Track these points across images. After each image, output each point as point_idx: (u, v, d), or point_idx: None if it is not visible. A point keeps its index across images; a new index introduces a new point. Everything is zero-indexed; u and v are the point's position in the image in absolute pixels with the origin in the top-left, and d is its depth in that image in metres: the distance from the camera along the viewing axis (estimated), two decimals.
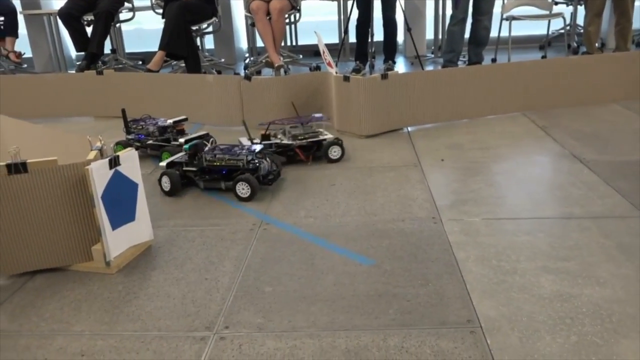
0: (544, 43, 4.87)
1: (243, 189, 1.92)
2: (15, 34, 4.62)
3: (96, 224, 1.44)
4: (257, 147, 2.01)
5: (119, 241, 1.50)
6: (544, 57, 4.50)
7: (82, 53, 4.28)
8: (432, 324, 1.19)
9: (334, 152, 2.28)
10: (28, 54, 5.06)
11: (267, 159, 2.03)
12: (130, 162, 1.53)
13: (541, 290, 1.30)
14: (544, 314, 1.21)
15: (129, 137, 2.44)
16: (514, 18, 4.29)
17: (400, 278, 1.38)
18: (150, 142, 2.39)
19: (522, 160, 2.21)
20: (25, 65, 4.78)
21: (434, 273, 1.40)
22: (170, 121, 2.41)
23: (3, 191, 1.39)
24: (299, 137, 2.26)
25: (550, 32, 4.83)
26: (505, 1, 4.50)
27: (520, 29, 4.72)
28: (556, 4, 4.88)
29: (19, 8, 4.85)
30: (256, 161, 1.97)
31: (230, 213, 1.84)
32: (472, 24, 3.96)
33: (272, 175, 2.01)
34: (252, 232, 1.69)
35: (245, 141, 2.19)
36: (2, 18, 4.55)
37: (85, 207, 1.46)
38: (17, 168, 1.39)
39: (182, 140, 2.20)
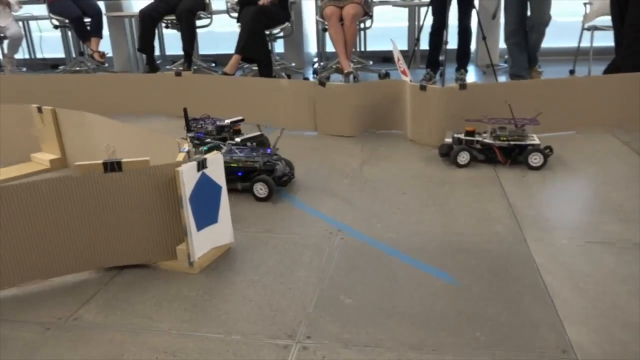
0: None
1: (261, 189, 2.00)
2: (100, 35, 4.85)
3: (182, 225, 1.48)
4: (270, 150, 2.10)
5: (202, 242, 1.53)
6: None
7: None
8: (524, 349, 1.14)
9: (535, 159, 2.22)
10: (109, 54, 5.31)
11: (282, 161, 2.09)
12: (216, 165, 1.56)
13: None
14: None
15: (189, 134, 2.54)
16: (596, 28, 4.10)
17: (485, 298, 1.34)
18: (208, 140, 2.45)
19: (613, 181, 2.10)
20: (107, 65, 5.01)
21: (520, 296, 1.34)
22: (227, 121, 2.48)
23: (98, 188, 1.45)
24: (502, 138, 2.26)
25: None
26: (587, 11, 4.30)
27: (602, 40, 4.49)
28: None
29: (103, 10, 5.09)
30: (272, 163, 2.04)
31: (306, 219, 1.85)
32: (526, 29, 3.87)
33: (286, 177, 2.09)
34: (329, 240, 1.69)
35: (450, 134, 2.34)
36: (88, 19, 4.80)
37: (173, 207, 1.50)
38: (113, 167, 1.45)
39: (238, 139, 2.29)
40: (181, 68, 4.31)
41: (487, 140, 2.27)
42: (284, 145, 2.73)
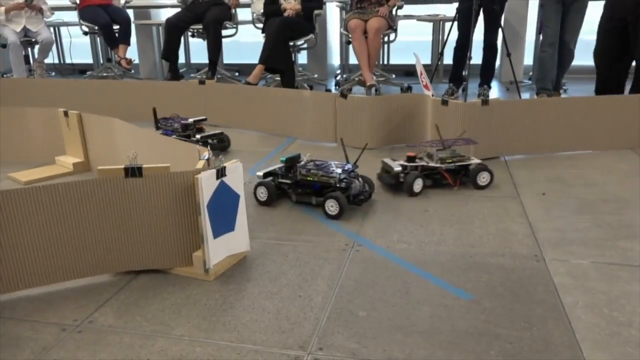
0: None
1: (332, 207, 1.93)
2: (127, 42, 4.95)
3: (199, 232, 1.49)
4: (350, 167, 2.01)
5: (218, 249, 1.54)
6: None
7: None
8: None
9: (483, 178, 2.20)
10: (136, 61, 5.41)
11: (359, 179, 2.02)
12: (235, 174, 1.57)
13: None
14: None
15: (158, 132, 2.75)
16: None
17: (502, 318, 1.31)
18: (174, 137, 2.60)
19: (634, 200, 2.05)
20: (132, 71, 5.11)
21: (538, 316, 1.32)
22: (191, 120, 2.76)
23: (118, 193, 1.47)
24: (447, 161, 2.22)
25: None
26: None
27: None
28: None
29: (132, 18, 5.20)
30: (348, 180, 1.97)
31: (323, 230, 1.84)
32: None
33: (362, 196, 2.01)
34: (344, 252, 1.68)
35: (389, 162, 2.22)
36: (117, 27, 4.90)
37: (191, 214, 1.51)
38: (134, 172, 1.47)
39: (198, 136, 2.66)
40: (204, 76, 4.37)
41: (433, 164, 2.20)
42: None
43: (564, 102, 2.70)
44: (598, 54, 3.45)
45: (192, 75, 4.92)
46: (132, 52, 5.12)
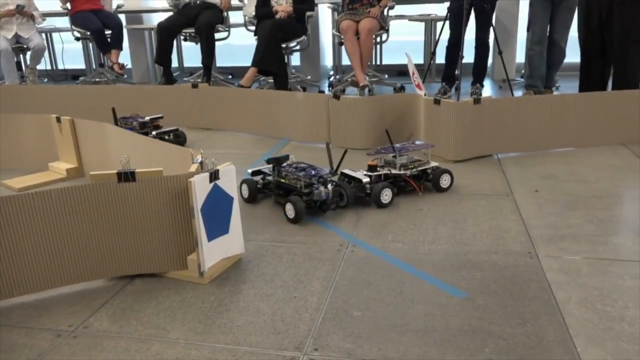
0: None
1: (289, 210, 1.92)
2: (120, 47, 4.95)
3: (193, 235, 1.50)
4: (325, 173, 1.98)
5: (213, 252, 1.54)
6: None
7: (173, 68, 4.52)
8: None
9: (444, 180, 2.18)
10: (128, 65, 5.40)
11: (328, 186, 1.95)
12: (228, 176, 1.57)
13: None
14: None
15: None
16: None
17: (495, 315, 1.32)
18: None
19: (627, 196, 2.07)
20: (125, 76, 5.10)
21: (531, 312, 1.33)
22: (147, 118, 2.95)
23: (112, 198, 1.47)
24: (409, 167, 2.16)
25: None
26: None
27: None
28: None
29: (124, 23, 5.20)
30: (312, 186, 1.94)
31: (317, 231, 1.85)
32: (547, 46, 3.84)
33: (333, 205, 1.97)
34: (339, 252, 1.69)
35: (352, 173, 2.14)
36: (109, 32, 4.90)
37: (185, 217, 1.52)
38: (127, 177, 1.47)
39: (154, 133, 2.83)
40: (199, 80, 4.37)
41: (395, 172, 2.12)
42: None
43: (555, 99, 2.71)
44: (581, 49, 3.46)
45: (185, 79, 4.92)
46: (124, 57, 5.11)
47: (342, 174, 2.12)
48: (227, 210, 1.59)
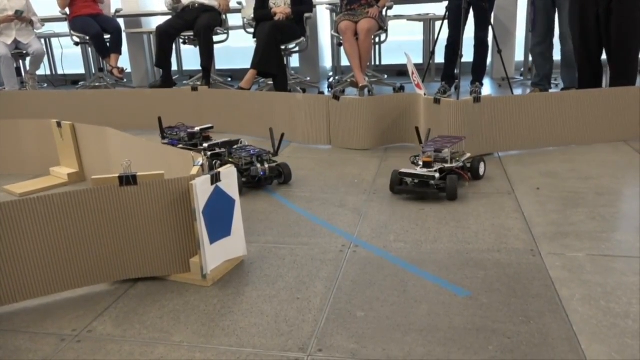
0: None
1: None
2: (119, 51, 4.95)
3: (195, 237, 1.50)
4: (263, 153, 2.30)
5: (215, 255, 1.54)
6: None
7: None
8: None
9: (482, 168, 2.30)
10: (128, 69, 5.41)
11: (265, 164, 2.28)
12: (230, 179, 1.57)
13: None
14: None
15: (164, 142, 2.74)
16: None
17: (499, 313, 1.32)
18: (180, 146, 2.63)
19: (628, 193, 2.07)
20: (125, 80, 5.11)
21: (535, 310, 1.32)
22: (197, 128, 2.72)
23: (113, 201, 1.47)
24: (456, 159, 2.20)
25: None
26: None
27: None
28: None
29: (123, 27, 5.20)
30: (249, 163, 2.27)
31: (320, 232, 1.85)
32: (560, 45, 3.83)
33: (269, 182, 2.32)
34: (342, 253, 1.69)
35: (417, 171, 2.13)
36: (108, 36, 4.90)
37: (187, 220, 1.52)
38: (128, 180, 1.47)
39: (205, 145, 2.49)
40: (199, 83, 4.38)
41: (448, 165, 2.15)
42: (298, 159, 2.75)
43: (554, 97, 2.71)
44: (575, 48, 3.44)
45: (184, 82, 4.92)
46: (123, 61, 5.12)
47: (403, 173, 2.13)
48: (229, 212, 1.59)
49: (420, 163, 2.14)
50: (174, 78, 4.73)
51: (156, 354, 1.23)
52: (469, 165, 2.27)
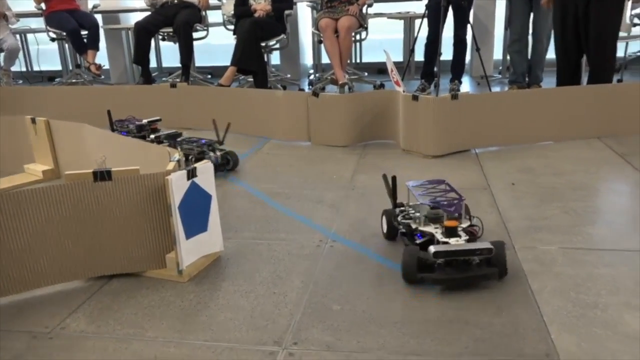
0: (620, 66, 4.66)
1: None
2: (96, 47, 4.89)
3: (171, 233, 1.49)
4: (213, 142, 2.43)
5: (191, 250, 1.54)
6: (619, 80, 4.31)
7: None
8: (508, 355, 1.15)
9: None
10: (106, 66, 5.34)
11: (216, 152, 2.42)
12: (206, 174, 1.57)
13: (626, 327, 1.22)
14: (630, 354, 1.13)
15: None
16: None
17: (472, 305, 1.34)
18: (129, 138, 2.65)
19: (601, 188, 2.11)
20: (103, 77, 5.04)
21: (507, 302, 1.35)
22: (145, 121, 2.74)
23: (88, 197, 1.45)
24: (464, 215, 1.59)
25: (627, 55, 4.63)
26: None
27: None
28: (634, 25, 4.68)
29: (100, 23, 5.13)
30: (206, 153, 2.37)
31: (297, 228, 1.85)
32: (532, 43, 3.90)
33: (222, 168, 2.45)
34: (319, 248, 1.70)
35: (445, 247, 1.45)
36: (85, 32, 4.83)
37: (162, 216, 1.51)
38: (103, 176, 1.46)
39: (152, 136, 2.61)
40: (178, 80, 4.34)
41: (465, 225, 1.54)
42: (277, 156, 2.76)
43: (531, 94, 2.76)
44: (555, 45, 3.50)
45: (164, 79, 4.88)
46: (101, 58, 5.05)
47: (439, 252, 1.40)
48: (206, 208, 1.59)
49: (434, 231, 1.51)
50: (153, 75, 4.68)
51: (130, 350, 1.22)
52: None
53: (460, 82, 4.22)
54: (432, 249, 1.40)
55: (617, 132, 2.79)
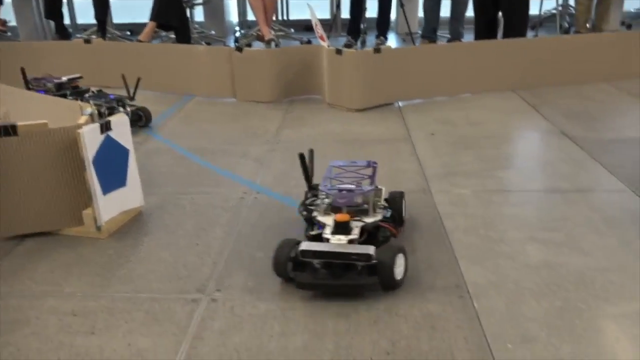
0: (535, 23, 4.86)
1: None
2: None
3: (87, 189, 1.44)
4: (123, 97, 2.36)
5: (109, 206, 1.49)
6: (535, 36, 4.50)
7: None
8: (421, 288, 1.22)
9: (404, 207, 1.49)
10: (12, 22, 4.95)
11: (127, 108, 2.32)
12: (122, 128, 1.52)
13: (528, 258, 1.33)
14: (530, 281, 1.23)
15: None
16: None
17: None
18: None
19: (512, 136, 2.23)
20: (9, 34, 4.68)
21: (423, 241, 1.42)
22: (64, 78, 2.55)
23: None
24: (377, 205, 1.40)
25: (542, 12, 4.83)
26: None
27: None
28: None
29: None
30: (115, 109, 2.26)
31: (221, 182, 1.84)
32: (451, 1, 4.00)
33: (134, 125, 2.32)
34: (242, 200, 1.70)
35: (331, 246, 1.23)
36: None
37: (76, 171, 1.45)
38: (7, 131, 1.37)
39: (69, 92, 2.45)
40: (94, 37, 4.10)
41: (371, 219, 1.33)
42: (201, 112, 2.70)
43: (450, 48, 2.84)
44: (473, 1, 3.61)
45: (77, 35, 4.59)
46: (6, 13, 4.67)
47: (307, 252, 1.20)
48: (123, 162, 1.54)
49: (329, 223, 1.29)
50: (68, 31, 4.39)
51: (46, 306, 1.19)
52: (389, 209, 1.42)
53: (386, 39, 4.26)
54: (302, 245, 1.21)
55: (531, 85, 2.94)
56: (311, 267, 1.22)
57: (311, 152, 1.51)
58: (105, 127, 1.46)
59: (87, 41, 3.20)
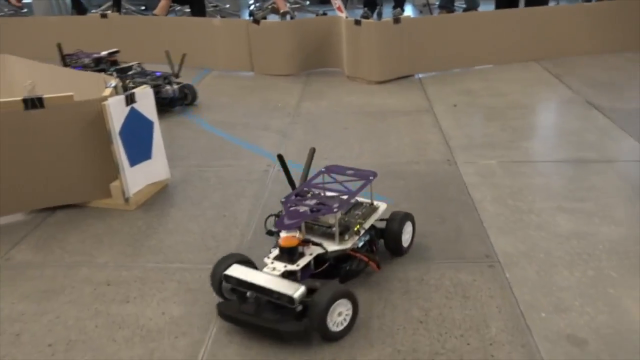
0: None
1: None
2: None
3: (114, 161, 1.45)
4: (168, 75, 2.29)
5: (137, 178, 1.50)
6: (557, 4, 4.39)
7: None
8: (451, 258, 1.21)
9: (406, 234, 1.22)
10: None
11: (173, 86, 2.26)
12: (146, 100, 1.51)
13: (558, 228, 1.31)
14: (561, 250, 1.22)
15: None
16: None
17: (418, 216, 1.38)
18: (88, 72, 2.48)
19: (536, 106, 2.20)
20: (25, 10, 4.67)
21: (450, 212, 1.41)
22: (104, 53, 2.55)
23: (19, 126, 1.38)
24: (357, 225, 1.13)
25: None
26: None
27: None
28: None
29: None
30: (161, 86, 2.23)
31: (244, 154, 1.84)
32: None
33: (180, 102, 2.31)
34: (266, 172, 1.70)
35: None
36: None
37: (103, 144, 1.45)
38: (34, 103, 1.38)
39: (112, 69, 2.37)
40: (109, 11, 4.07)
41: (336, 247, 1.07)
42: (220, 86, 2.69)
43: (471, 17, 2.78)
44: None
45: (93, 10, 4.57)
46: None
47: (230, 277, 1.02)
48: (148, 135, 1.54)
49: (271, 253, 1.07)
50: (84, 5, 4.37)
51: (80, 275, 1.21)
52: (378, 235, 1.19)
53: (403, 10, 4.18)
54: (229, 269, 1.02)
55: (554, 55, 2.88)
56: (243, 296, 1.00)
57: (312, 151, 1.32)
58: (130, 99, 1.46)
59: (104, 16, 3.18)
